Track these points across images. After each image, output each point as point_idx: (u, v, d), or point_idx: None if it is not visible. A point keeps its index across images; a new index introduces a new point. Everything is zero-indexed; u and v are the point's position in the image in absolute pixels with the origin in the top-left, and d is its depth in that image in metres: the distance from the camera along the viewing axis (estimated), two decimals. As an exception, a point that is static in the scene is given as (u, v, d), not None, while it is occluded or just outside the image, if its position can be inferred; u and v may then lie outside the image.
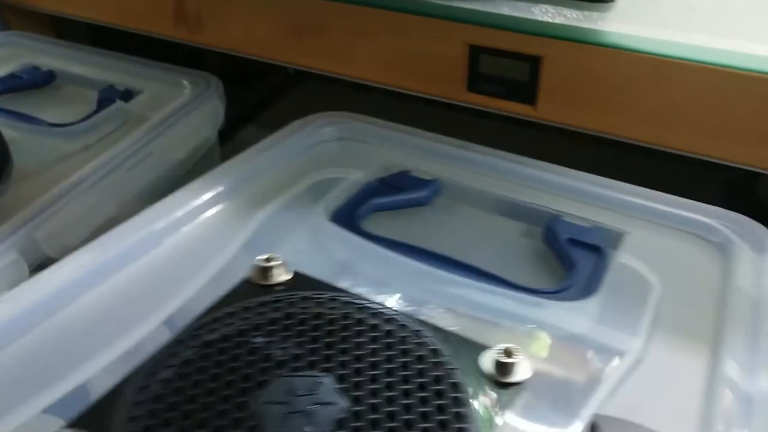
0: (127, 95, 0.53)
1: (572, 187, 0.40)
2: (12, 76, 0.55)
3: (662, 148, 0.40)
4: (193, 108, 0.51)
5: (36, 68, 0.56)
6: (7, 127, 0.47)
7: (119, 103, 0.51)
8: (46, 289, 0.30)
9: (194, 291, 0.31)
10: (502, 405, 0.25)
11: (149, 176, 0.47)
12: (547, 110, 0.42)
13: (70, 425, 0.23)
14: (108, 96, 0.52)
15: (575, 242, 0.36)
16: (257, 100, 0.77)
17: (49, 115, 0.51)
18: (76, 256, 0.32)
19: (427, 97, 0.46)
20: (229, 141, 0.70)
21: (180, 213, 0.36)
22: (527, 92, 0.42)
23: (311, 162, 0.42)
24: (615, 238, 0.36)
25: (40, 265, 0.38)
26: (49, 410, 0.25)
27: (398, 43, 0.45)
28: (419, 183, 0.41)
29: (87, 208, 0.42)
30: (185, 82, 0.53)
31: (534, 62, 0.41)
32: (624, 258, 0.34)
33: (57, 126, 0.49)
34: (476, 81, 0.44)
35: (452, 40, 0.42)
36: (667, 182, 0.40)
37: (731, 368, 0.27)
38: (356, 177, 0.41)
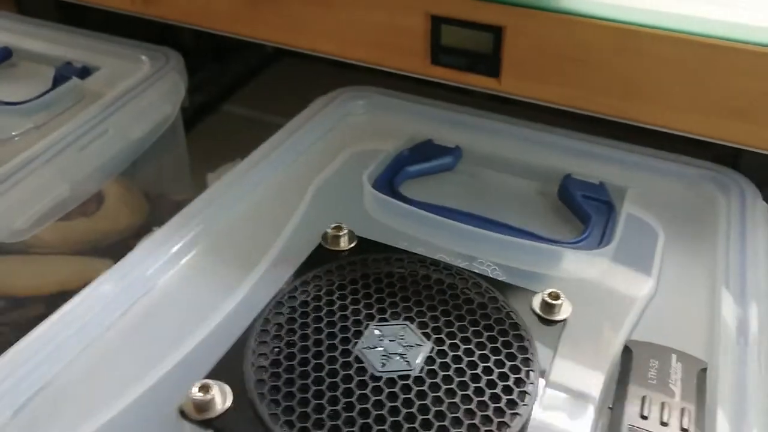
0: (85, 72, 0.52)
1: (580, 147, 0.45)
2: None
3: (628, 121, 0.41)
4: (151, 84, 0.49)
5: (-9, 45, 0.54)
6: None
7: (75, 80, 0.49)
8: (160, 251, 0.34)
9: (274, 257, 0.35)
10: (552, 338, 0.31)
11: (104, 155, 0.45)
12: (511, 84, 0.42)
13: (207, 377, 0.28)
14: (64, 73, 0.51)
15: (587, 197, 0.41)
16: (235, 78, 0.77)
17: (3, 93, 0.49)
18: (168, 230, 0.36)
19: (392, 71, 0.46)
20: (204, 119, 0.72)
21: (239, 190, 0.40)
22: (491, 65, 0.42)
23: (343, 136, 0.47)
24: (620, 192, 0.42)
25: None
26: (184, 364, 0.29)
27: (358, 13, 0.43)
28: (443, 150, 0.45)
29: (36, 189, 0.41)
30: (144, 58, 0.52)
31: (497, 33, 0.41)
32: (631, 209, 0.40)
33: (9, 104, 0.48)
34: (439, 54, 0.44)
35: (414, 9, 0.42)
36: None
37: (726, 296, 0.34)
38: (386, 147, 0.45)
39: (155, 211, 0.57)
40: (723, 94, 0.38)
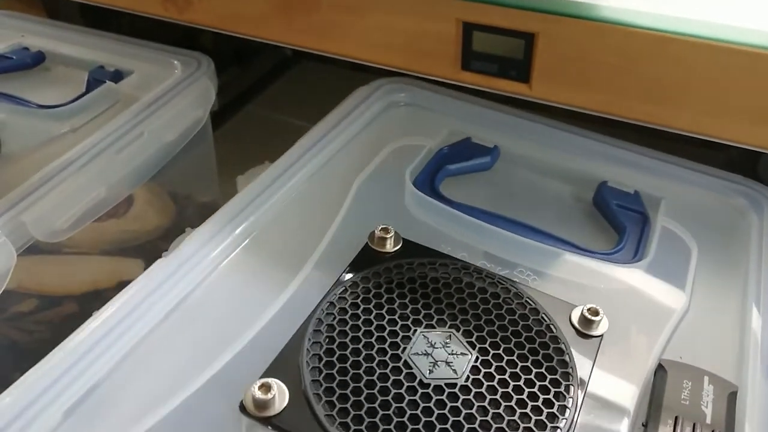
0: (118, 76, 0.52)
1: (616, 153, 0.46)
2: (1, 56, 0.55)
3: (660, 127, 0.41)
4: (183, 88, 0.50)
5: (25, 49, 0.56)
6: None
7: (109, 84, 0.50)
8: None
9: (321, 254, 0.37)
10: (590, 352, 0.32)
11: (139, 158, 0.46)
12: (541, 89, 0.42)
13: (264, 375, 0.29)
14: (98, 77, 0.52)
15: (622, 207, 0.42)
16: (254, 80, 0.77)
17: (38, 96, 0.50)
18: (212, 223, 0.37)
19: (419, 75, 0.46)
20: (227, 121, 0.72)
21: (284, 185, 0.41)
22: (522, 70, 0.42)
23: (385, 129, 0.47)
24: (655, 202, 0.43)
25: (28, 248, 0.39)
26: (237, 361, 0.31)
27: (389, 20, 0.44)
28: (481, 149, 0.46)
29: (75, 191, 0.42)
30: (176, 63, 0.53)
31: (528, 39, 0.41)
32: (665, 222, 0.41)
33: (46, 107, 0.49)
34: (470, 59, 0.44)
35: (445, 16, 0.42)
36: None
37: (755, 316, 0.35)
38: (425, 144, 0.46)
39: (182, 213, 0.59)
40: (760, 102, 0.38)
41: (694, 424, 0.28)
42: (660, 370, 0.31)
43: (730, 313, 0.35)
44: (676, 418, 0.29)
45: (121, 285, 0.52)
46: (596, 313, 0.33)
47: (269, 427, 0.28)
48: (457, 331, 0.32)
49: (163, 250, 0.47)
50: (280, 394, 0.28)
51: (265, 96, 0.76)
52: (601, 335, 0.33)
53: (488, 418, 0.28)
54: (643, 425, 0.29)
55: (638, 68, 0.39)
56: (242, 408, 0.28)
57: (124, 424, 0.28)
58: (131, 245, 0.53)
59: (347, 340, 0.31)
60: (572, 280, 0.37)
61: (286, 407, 0.28)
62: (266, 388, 0.28)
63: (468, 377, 0.30)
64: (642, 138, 0.46)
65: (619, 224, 0.41)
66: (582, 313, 0.33)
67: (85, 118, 0.47)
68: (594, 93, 0.41)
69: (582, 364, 0.31)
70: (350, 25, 0.46)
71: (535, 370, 0.30)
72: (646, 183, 0.44)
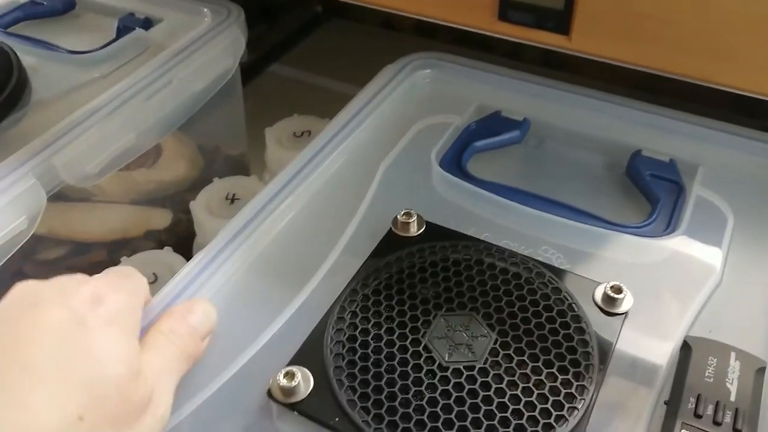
0: (147, 23, 0.53)
1: (650, 120, 0.44)
2: (32, 2, 0.55)
3: (706, 84, 0.40)
4: (213, 37, 0.50)
5: (57, -5, 0.56)
6: (27, 53, 0.48)
7: (139, 31, 0.51)
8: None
9: (347, 240, 0.37)
10: (613, 330, 0.32)
11: (168, 106, 0.47)
12: (581, 41, 0.41)
13: (290, 363, 0.31)
14: (128, 24, 0.52)
15: (656, 177, 0.41)
16: (283, 37, 0.77)
17: (69, 42, 0.51)
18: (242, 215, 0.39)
19: (454, 26, 0.45)
20: (254, 77, 0.72)
21: (317, 168, 0.42)
22: (561, 21, 0.41)
23: (411, 109, 0.47)
24: (691, 170, 0.41)
25: (58, 195, 0.40)
26: (267, 349, 0.32)
27: None
28: (510, 123, 0.46)
29: (105, 136, 0.43)
30: (206, 11, 0.53)
31: None
32: (701, 191, 0.40)
33: (76, 53, 0.49)
34: (507, 8, 0.43)
35: None
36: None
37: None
38: (453, 121, 0.46)
39: (210, 165, 0.60)
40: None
41: (717, 402, 0.28)
42: (685, 346, 0.31)
43: (764, 287, 0.34)
44: (699, 396, 0.28)
45: (149, 234, 0.55)
46: (619, 290, 0.33)
47: (295, 413, 0.29)
48: (478, 313, 0.32)
49: (190, 200, 0.49)
50: (304, 381, 0.30)
51: (294, 53, 0.76)
52: (625, 313, 0.33)
53: (505, 399, 0.29)
54: (665, 403, 0.29)
55: (684, 19, 0.37)
56: (270, 394, 0.29)
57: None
58: (159, 195, 0.55)
59: (369, 326, 0.32)
60: (599, 255, 0.36)
61: (310, 393, 0.29)
62: (290, 375, 0.29)
63: (487, 359, 0.30)
64: (678, 105, 0.44)
65: (652, 195, 0.40)
66: (605, 291, 0.33)
67: (115, 64, 0.48)
68: (636, 46, 0.40)
69: (604, 343, 0.31)
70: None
71: (554, 351, 0.31)
72: (683, 150, 0.42)
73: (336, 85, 0.72)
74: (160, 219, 0.56)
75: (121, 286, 0.29)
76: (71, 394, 0.24)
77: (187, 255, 0.50)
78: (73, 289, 0.27)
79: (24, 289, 0.27)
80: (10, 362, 0.24)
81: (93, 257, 0.52)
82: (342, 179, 0.42)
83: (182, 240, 0.54)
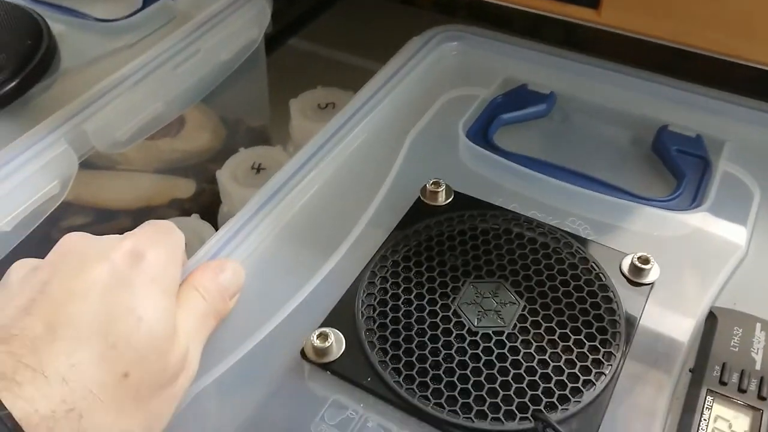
0: None
1: (677, 95, 0.44)
2: None
3: (738, 60, 0.40)
4: (239, 7, 0.50)
5: (84, -37, 0.54)
6: (55, 21, 0.48)
7: (165, 1, 0.51)
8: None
9: (376, 208, 0.38)
10: (639, 300, 0.32)
11: (195, 75, 0.47)
12: (611, 15, 0.41)
13: (323, 325, 0.31)
14: None
15: (683, 152, 0.41)
16: (302, 12, 0.77)
17: (96, 10, 0.51)
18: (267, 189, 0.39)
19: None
20: (275, 50, 0.72)
21: (344, 139, 0.42)
22: None
23: (438, 80, 0.47)
24: (718, 145, 0.41)
25: (86, 163, 0.40)
26: (300, 311, 0.33)
27: None
28: (537, 97, 0.46)
29: (134, 104, 0.43)
30: None
31: None
32: (727, 166, 0.40)
33: (103, 21, 0.49)
34: None
35: None
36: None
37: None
38: (480, 93, 0.46)
39: (233, 136, 0.60)
40: None
41: (742, 371, 0.29)
42: (710, 317, 0.31)
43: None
44: (724, 364, 0.29)
45: (174, 203, 0.56)
46: (647, 261, 0.33)
47: (328, 372, 0.30)
48: (506, 281, 0.33)
49: (214, 170, 0.50)
50: (337, 342, 0.30)
51: (313, 27, 0.76)
52: (652, 283, 0.33)
53: (534, 364, 0.29)
54: (690, 371, 0.30)
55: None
56: (303, 354, 0.30)
57: (197, 372, 0.31)
58: (183, 165, 0.56)
59: (399, 291, 0.33)
60: (625, 228, 0.37)
61: (342, 354, 0.30)
62: (324, 336, 0.30)
63: (515, 325, 0.31)
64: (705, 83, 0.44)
65: (678, 170, 0.40)
66: (632, 262, 0.33)
67: (142, 33, 0.48)
68: (667, 20, 0.39)
69: (631, 312, 0.32)
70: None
71: (582, 318, 0.31)
72: (710, 125, 0.42)
73: (354, 59, 0.72)
74: (185, 188, 0.57)
75: (160, 241, 0.30)
76: (116, 352, 0.25)
77: (212, 223, 0.51)
78: (114, 243, 0.28)
79: (69, 244, 0.28)
80: (57, 315, 0.25)
81: (118, 224, 0.53)
82: (369, 150, 0.43)
83: (206, 208, 0.55)
